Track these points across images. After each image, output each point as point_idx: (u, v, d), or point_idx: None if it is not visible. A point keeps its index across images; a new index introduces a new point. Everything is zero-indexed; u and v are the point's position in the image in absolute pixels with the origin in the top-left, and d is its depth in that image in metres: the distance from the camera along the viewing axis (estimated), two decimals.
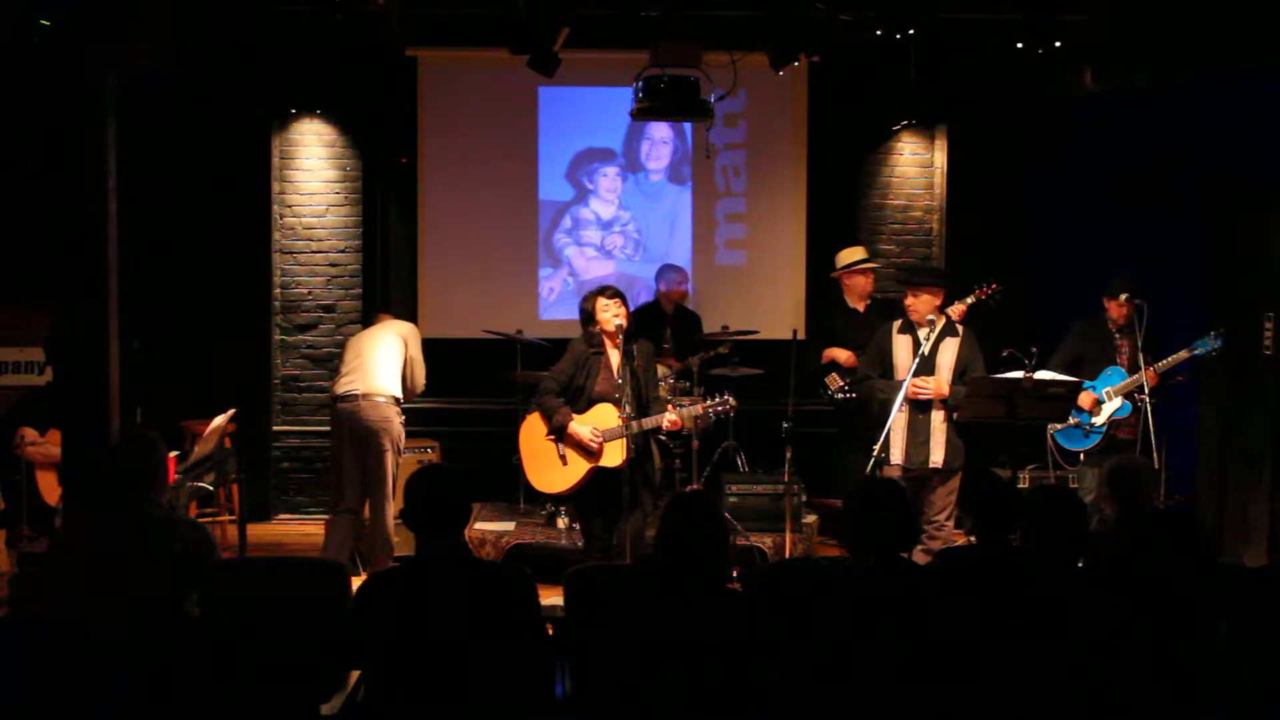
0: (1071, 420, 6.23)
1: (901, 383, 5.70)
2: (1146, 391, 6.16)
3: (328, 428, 8.11)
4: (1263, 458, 6.29)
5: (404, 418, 6.34)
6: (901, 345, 5.94)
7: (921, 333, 5.84)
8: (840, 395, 7.06)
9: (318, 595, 3.94)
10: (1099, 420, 6.32)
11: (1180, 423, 6.78)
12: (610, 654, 3.33)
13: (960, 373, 5.82)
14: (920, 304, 5.88)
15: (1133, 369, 6.33)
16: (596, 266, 8.29)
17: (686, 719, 3.15)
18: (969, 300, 6.61)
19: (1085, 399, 6.23)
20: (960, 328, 6.01)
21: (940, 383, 5.80)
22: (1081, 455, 6.43)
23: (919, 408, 5.83)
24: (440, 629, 3.19)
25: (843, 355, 7.04)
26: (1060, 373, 5.98)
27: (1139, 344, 6.17)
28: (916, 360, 5.75)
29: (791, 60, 6.61)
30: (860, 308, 7.20)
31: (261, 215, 8.19)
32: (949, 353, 5.87)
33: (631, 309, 5.74)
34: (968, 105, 8.13)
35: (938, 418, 5.82)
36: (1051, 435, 6.55)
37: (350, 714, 3.46)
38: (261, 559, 6.31)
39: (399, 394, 6.29)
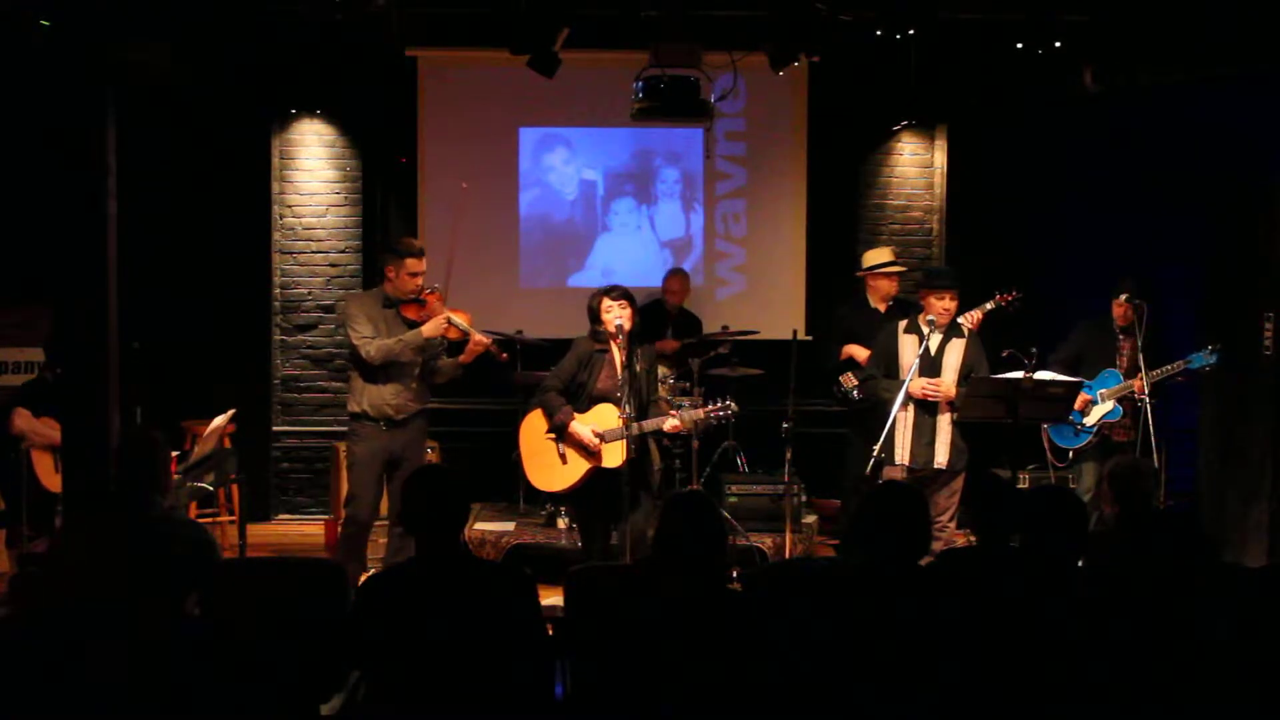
0: (1065, 420, 6.24)
1: (904, 382, 5.70)
2: (1147, 392, 6.17)
3: (328, 428, 8.18)
4: (1263, 458, 6.28)
5: (353, 427, 5.82)
6: (907, 345, 5.93)
7: (928, 333, 5.84)
8: (855, 394, 7.00)
9: (318, 595, 3.94)
10: (1089, 421, 6.34)
11: (1180, 423, 6.78)
12: (610, 654, 3.33)
13: (965, 374, 5.82)
14: (954, 306, 5.87)
15: (1131, 371, 6.35)
16: (597, 265, 8.29)
17: (686, 719, 3.15)
18: (988, 306, 6.58)
19: (1079, 398, 6.24)
20: (966, 329, 6.01)
21: (948, 384, 5.80)
22: (1071, 453, 6.45)
23: (925, 408, 5.83)
24: (440, 629, 3.19)
25: (862, 354, 6.89)
26: (1060, 370, 5.98)
27: (1139, 344, 6.18)
28: (919, 360, 5.76)
29: (791, 60, 6.60)
30: (882, 308, 7.09)
31: (261, 215, 8.19)
32: (955, 354, 5.87)
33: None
34: (968, 105, 8.13)
35: (944, 419, 5.82)
36: (1045, 432, 6.57)
37: (350, 714, 3.46)
38: (261, 559, 6.31)
39: (350, 407, 5.83)
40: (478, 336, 5.73)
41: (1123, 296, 6.33)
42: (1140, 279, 6.44)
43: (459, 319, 5.75)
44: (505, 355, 5.85)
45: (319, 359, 8.28)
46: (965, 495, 5.89)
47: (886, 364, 6.01)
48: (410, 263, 5.72)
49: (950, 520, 5.93)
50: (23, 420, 6.16)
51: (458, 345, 5.87)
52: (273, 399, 8.26)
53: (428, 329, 5.68)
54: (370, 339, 5.65)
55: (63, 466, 5.36)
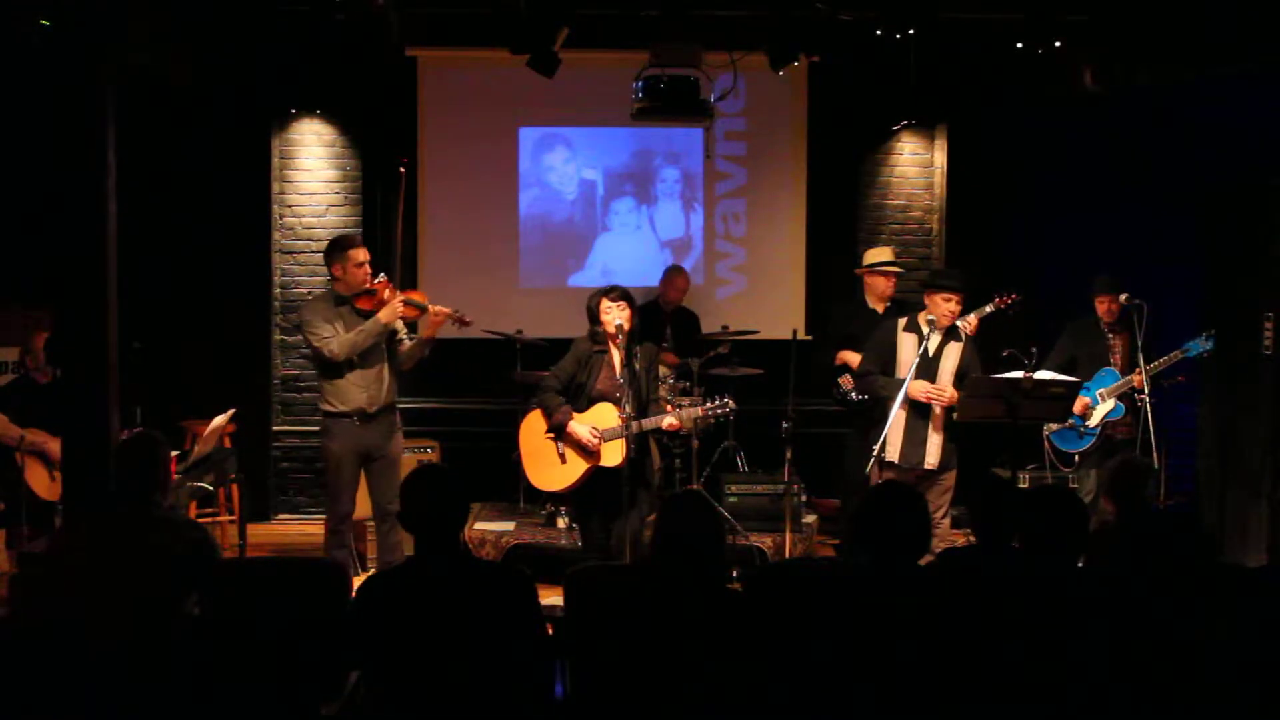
0: (1066, 421, 6.24)
1: (902, 381, 5.70)
2: (1146, 391, 6.17)
3: None
4: (1263, 458, 6.28)
5: (326, 425, 5.82)
6: (906, 343, 5.92)
7: (928, 333, 5.83)
8: (854, 396, 6.99)
9: (318, 595, 3.93)
10: (1092, 422, 6.34)
11: (1180, 423, 6.79)
12: (610, 654, 3.33)
13: (960, 377, 5.81)
14: (958, 309, 5.86)
15: (1127, 369, 6.36)
16: (597, 265, 8.29)
17: (686, 719, 3.15)
18: (987, 309, 6.58)
19: (1078, 403, 6.23)
20: (963, 332, 6.00)
21: (951, 391, 5.78)
22: (1076, 457, 6.44)
23: (918, 410, 5.82)
24: (440, 629, 3.19)
25: (855, 359, 6.92)
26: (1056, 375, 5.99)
27: (1139, 344, 6.18)
28: (918, 360, 5.75)
29: (791, 60, 6.61)
30: (879, 309, 7.04)
31: (261, 215, 8.19)
32: (952, 357, 5.86)
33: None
34: (968, 105, 8.13)
35: (936, 421, 5.81)
36: (1047, 437, 6.56)
37: (350, 714, 3.46)
38: (261, 559, 6.32)
39: (322, 408, 5.85)
40: (435, 308, 5.75)
41: (1123, 296, 6.33)
42: (1118, 276, 6.45)
43: (413, 297, 5.79)
44: (470, 320, 5.85)
45: None
46: (966, 496, 5.88)
47: (883, 360, 5.99)
48: (354, 254, 5.75)
49: (944, 517, 5.92)
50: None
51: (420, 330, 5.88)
52: (273, 399, 8.27)
53: (384, 314, 5.71)
54: (330, 337, 5.67)
55: (63, 468, 5.35)
